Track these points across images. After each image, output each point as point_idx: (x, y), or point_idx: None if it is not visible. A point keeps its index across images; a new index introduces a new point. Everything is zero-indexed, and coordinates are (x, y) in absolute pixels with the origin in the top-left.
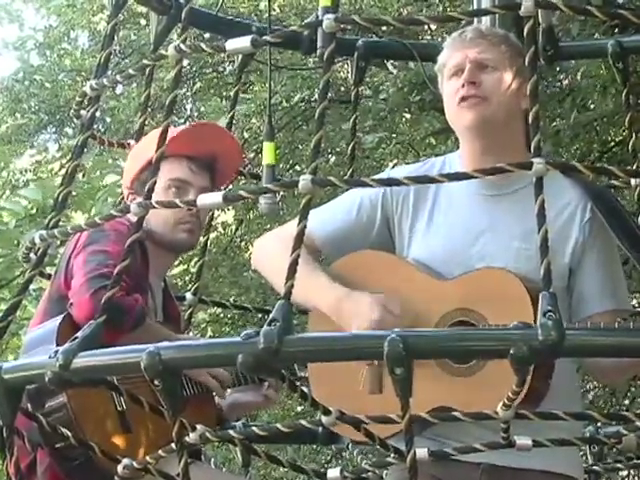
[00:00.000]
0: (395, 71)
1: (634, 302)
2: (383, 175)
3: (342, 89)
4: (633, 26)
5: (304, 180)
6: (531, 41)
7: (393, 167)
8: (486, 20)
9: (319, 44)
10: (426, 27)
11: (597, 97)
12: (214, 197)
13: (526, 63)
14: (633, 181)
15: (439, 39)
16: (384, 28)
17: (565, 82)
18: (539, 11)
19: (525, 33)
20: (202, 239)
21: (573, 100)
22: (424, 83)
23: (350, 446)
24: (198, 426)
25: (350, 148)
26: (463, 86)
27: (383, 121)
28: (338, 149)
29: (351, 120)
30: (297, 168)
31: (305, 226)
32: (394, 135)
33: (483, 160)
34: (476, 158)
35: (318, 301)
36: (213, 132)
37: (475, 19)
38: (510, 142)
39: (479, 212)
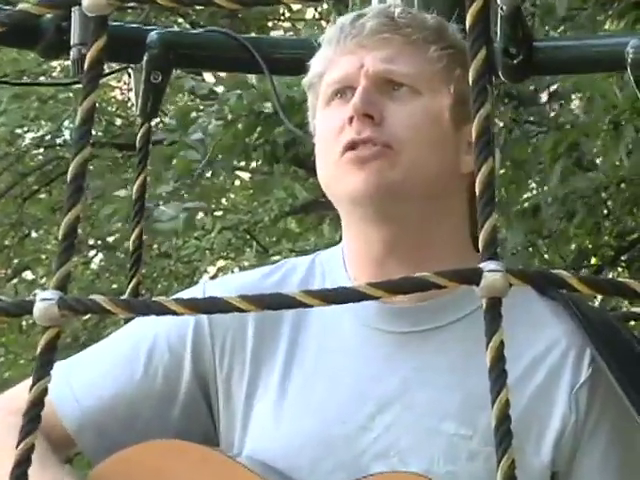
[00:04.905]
0: (220, 90)
1: None
2: (197, 290)
3: (119, 124)
4: None
5: (44, 300)
6: (480, 38)
7: (215, 275)
8: None
9: (74, 39)
10: (282, 8)
11: (607, 144)
12: None
13: (469, 81)
14: None
15: (303, 30)
16: (201, 8)
17: (549, 116)
18: None
19: (468, 25)
20: None
21: (565, 149)
22: (277, 113)
23: None
24: None
25: (134, 237)
26: (351, 121)
27: (196, 184)
28: (110, 238)
29: (135, 184)
30: (27, 275)
31: (45, 391)
32: (218, 212)
33: (386, 264)
34: (373, 260)
35: None
36: None
37: None
38: (439, 231)
39: (379, 365)
